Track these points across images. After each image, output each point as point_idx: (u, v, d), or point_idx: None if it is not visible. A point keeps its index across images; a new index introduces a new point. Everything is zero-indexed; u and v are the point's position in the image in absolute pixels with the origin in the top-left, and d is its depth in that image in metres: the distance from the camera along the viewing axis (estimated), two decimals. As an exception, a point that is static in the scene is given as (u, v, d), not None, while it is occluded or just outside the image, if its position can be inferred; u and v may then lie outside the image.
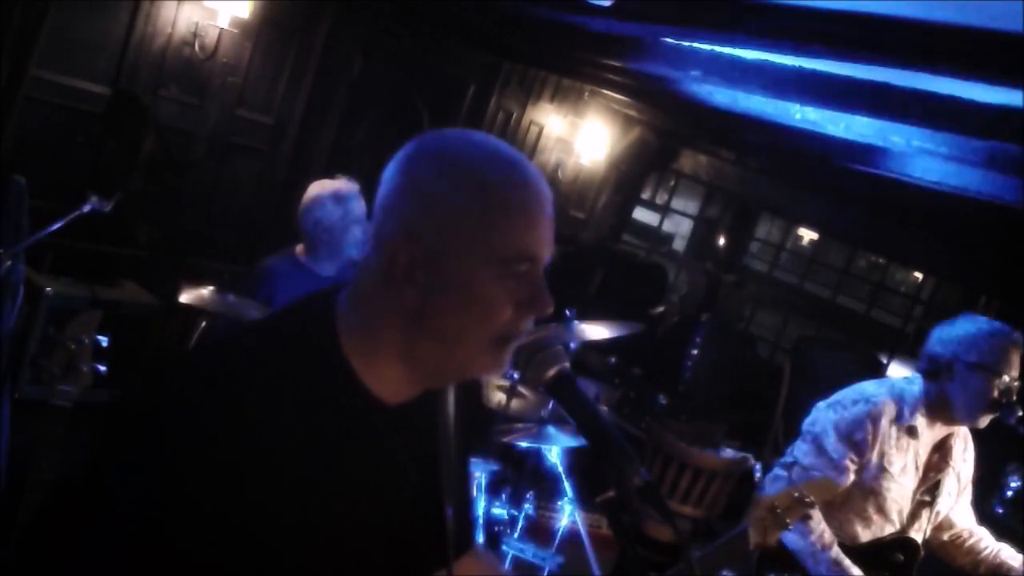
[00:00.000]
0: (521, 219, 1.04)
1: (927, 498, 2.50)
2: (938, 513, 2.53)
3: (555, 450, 3.47)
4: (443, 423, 1.20)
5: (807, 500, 2.06)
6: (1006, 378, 2.30)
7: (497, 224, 1.03)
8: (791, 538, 2.38)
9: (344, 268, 3.08)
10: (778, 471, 2.48)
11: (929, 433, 2.46)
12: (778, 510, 2.05)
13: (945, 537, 2.61)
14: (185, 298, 2.85)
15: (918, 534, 2.51)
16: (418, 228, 1.03)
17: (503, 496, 3.46)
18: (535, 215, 1.06)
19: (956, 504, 2.58)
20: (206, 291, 2.87)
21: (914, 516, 2.49)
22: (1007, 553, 2.55)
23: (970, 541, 2.59)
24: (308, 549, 1.02)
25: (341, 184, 3.04)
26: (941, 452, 2.50)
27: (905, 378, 2.51)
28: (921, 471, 2.47)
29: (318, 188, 3.03)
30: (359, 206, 3.02)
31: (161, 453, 0.95)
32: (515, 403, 3.59)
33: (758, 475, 2.50)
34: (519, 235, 1.04)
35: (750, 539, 2.05)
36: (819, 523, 2.39)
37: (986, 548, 2.57)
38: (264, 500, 0.97)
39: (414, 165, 1.06)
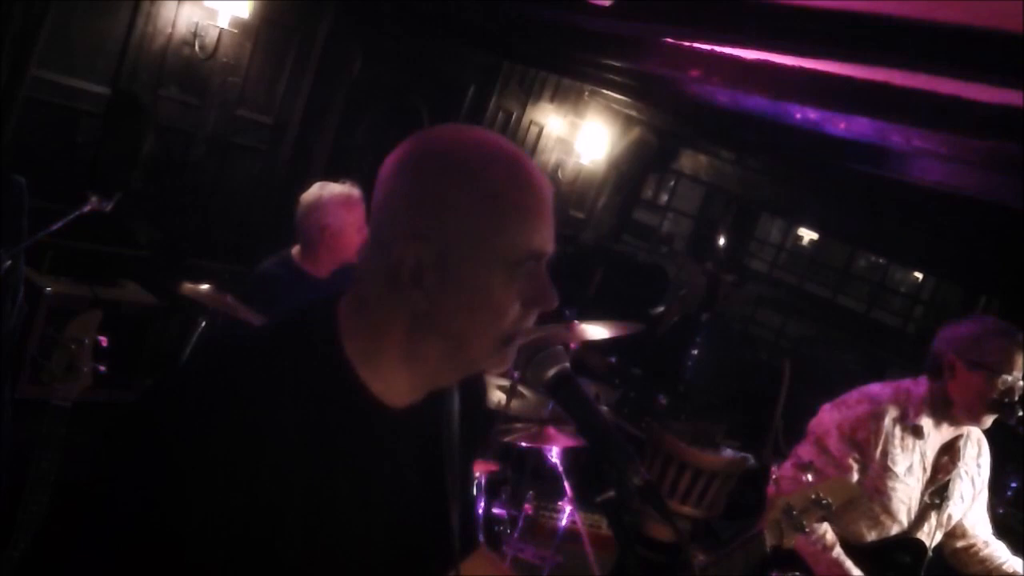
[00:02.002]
0: (530, 220, 1.04)
1: (936, 500, 2.47)
2: (950, 517, 2.50)
3: (555, 450, 3.47)
4: (447, 425, 1.19)
5: (824, 502, 2.02)
6: (1008, 378, 2.29)
7: (507, 226, 1.02)
8: None
9: (340, 272, 3.03)
10: (791, 472, 2.46)
11: (936, 434, 2.45)
12: (794, 512, 2.02)
13: (958, 544, 2.58)
14: (184, 290, 2.85)
15: (926, 536, 2.48)
16: (426, 231, 1.01)
17: (503, 496, 3.46)
18: (542, 214, 1.05)
19: (970, 511, 2.56)
20: (204, 287, 2.87)
21: (922, 517, 2.47)
22: (1022, 568, 2.51)
23: (985, 551, 2.55)
24: (313, 554, 1.02)
25: (348, 189, 2.98)
26: (950, 454, 2.48)
27: (911, 379, 2.50)
28: (929, 472, 2.46)
29: (326, 192, 2.96)
30: (363, 211, 2.97)
31: (164, 458, 0.94)
32: (515, 403, 3.59)
33: (774, 475, 2.47)
34: (528, 236, 1.04)
35: (766, 541, 2.02)
36: (821, 523, 2.36)
37: (1000, 560, 2.53)
38: (268, 505, 0.97)
39: (418, 166, 1.04)
